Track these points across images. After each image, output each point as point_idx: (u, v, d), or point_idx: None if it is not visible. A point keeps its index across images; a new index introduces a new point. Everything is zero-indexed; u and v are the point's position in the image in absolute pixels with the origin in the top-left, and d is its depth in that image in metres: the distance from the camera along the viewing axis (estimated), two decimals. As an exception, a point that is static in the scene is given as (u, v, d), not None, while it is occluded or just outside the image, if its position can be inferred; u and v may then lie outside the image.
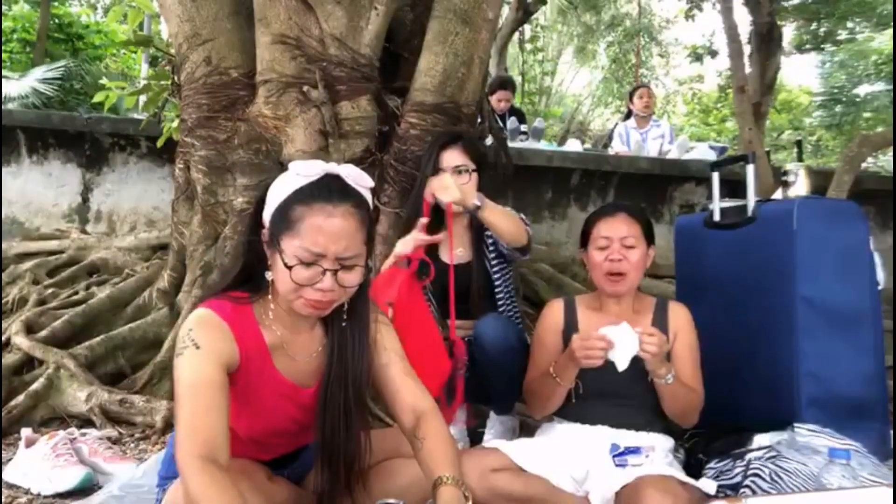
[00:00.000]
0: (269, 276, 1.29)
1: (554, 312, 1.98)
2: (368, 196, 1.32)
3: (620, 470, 1.68)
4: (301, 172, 1.26)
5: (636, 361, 1.82)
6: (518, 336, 2.13)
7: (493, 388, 2.18)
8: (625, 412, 1.81)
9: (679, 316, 1.92)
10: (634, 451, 1.72)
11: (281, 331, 1.35)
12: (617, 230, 1.88)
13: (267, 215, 1.29)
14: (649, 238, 1.93)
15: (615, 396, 1.82)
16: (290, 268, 1.22)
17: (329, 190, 1.24)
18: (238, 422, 1.35)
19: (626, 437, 1.78)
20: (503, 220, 2.12)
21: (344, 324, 1.37)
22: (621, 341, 1.63)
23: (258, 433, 1.39)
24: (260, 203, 1.32)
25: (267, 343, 1.33)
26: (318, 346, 1.41)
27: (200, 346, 1.22)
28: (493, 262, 2.28)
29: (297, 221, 1.22)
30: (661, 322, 1.90)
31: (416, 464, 1.36)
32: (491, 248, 2.28)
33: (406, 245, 2.04)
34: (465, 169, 2.25)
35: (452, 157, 2.26)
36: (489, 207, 2.10)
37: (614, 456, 1.73)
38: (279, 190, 1.27)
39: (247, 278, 1.36)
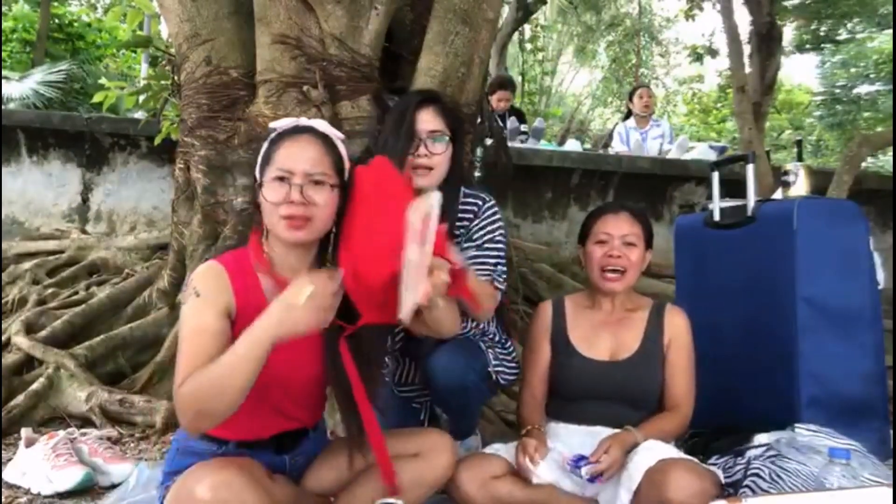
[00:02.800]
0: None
1: (541, 316, 1.94)
2: (339, 143, 1.46)
3: (579, 478, 1.64)
4: (278, 127, 1.45)
5: (634, 363, 1.83)
6: (479, 369, 1.81)
7: (449, 420, 1.93)
8: (623, 412, 1.80)
9: (675, 322, 1.87)
10: (583, 458, 1.65)
11: (277, 274, 1.41)
12: (619, 227, 1.85)
13: (258, 171, 1.44)
14: (648, 241, 1.90)
15: (613, 397, 1.82)
16: (261, 186, 1.38)
17: (297, 129, 1.43)
18: None
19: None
20: (452, 320, 1.53)
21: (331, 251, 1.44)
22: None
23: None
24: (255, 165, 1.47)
25: (263, 288, 1.41)
26: None
27: (200, 293, 1.33)
28: None
29: (271, 155, 1.39)
30: (655, 326, 1.87)
31: (415, 463, 1.42)
32: (468, 252, 1.84)
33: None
34: (443, 137, 1.82)
35: (427, 120, 1.81)
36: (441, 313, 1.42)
37: (574, 467, 1.65)
38: (264, 147, 1.44)
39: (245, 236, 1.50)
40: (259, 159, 1.44)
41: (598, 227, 1.87)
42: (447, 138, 1.83)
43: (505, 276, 1.87)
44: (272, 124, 1.46)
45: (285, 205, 1.34)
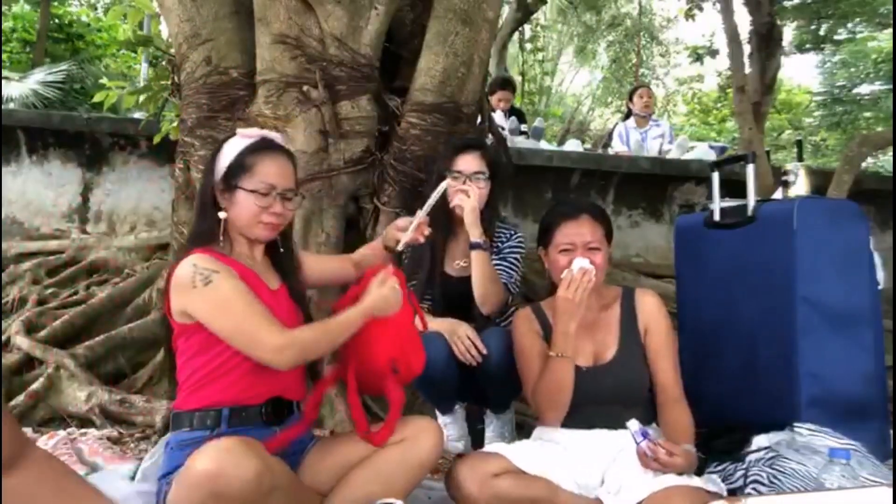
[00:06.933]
0: (222, 215, 1.61)
1: (525, 319, 1.94)
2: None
3: (639, 463, 1.61)
4: (247, 135, 1.66)
5: (618, 363, 1.82)
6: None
7: (495, 392, 2.23)
8: (618, 411, 1.75)
9: (648, 306, 1.87)
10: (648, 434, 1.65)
11: (234, 260, 1.62)
12: (581, 235, 1.83)
13: (220, 169, 1.62)
14: (609, 236, 1.90)
15: (605, 400, 1.80)
16: (251, 192, 1.58)
17: (270, 143, 1.66)
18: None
19: (626, 439, 1.73)
20: (486, 280, 2.15)
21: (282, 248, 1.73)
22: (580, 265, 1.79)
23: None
24: (210, 164, 1.65)
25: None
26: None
27: (218, 270, 1.50)
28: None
29: (252, 166, 1.60)
30: (628, 315, 1.87)
31: (400, 448, 1.56)
32: (494, 262, 2.25)
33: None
34: (484, 176, 2.28)
35: (471, 163, 2.27)
36: (483, 259, 2.14)
37: (642, 435, 1.63)
38: (232, 149, 1.63)
39: (202, 232, 1.64)
40: (231, 161, 1.61)
41: (561, 234, 1.85)
42: (485, 176, 2.28)
43: (517, 286, 2.33)
44: (239, 132, 1.68)
45: (266, 213, 1.60)
